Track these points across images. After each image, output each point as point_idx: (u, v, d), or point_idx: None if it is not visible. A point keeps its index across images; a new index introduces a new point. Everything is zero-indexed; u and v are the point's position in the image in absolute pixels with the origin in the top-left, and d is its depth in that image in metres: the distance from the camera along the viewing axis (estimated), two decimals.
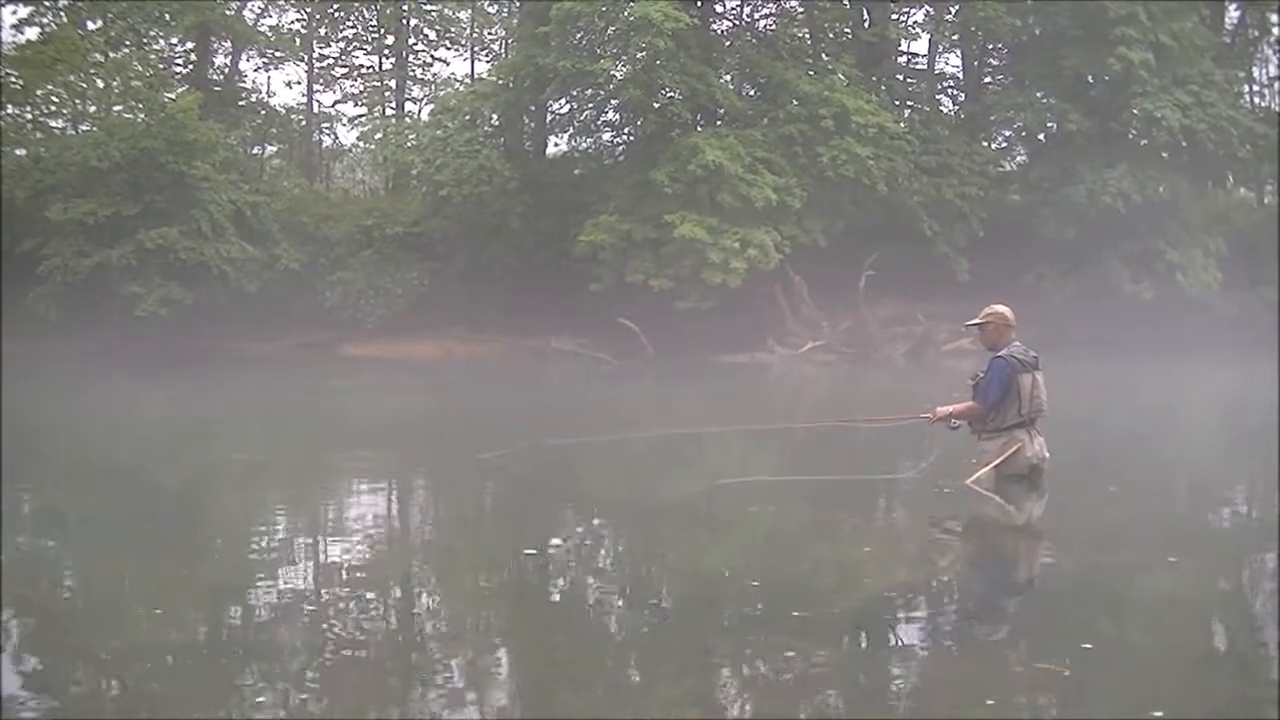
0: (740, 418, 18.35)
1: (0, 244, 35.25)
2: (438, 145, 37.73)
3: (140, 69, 41.15)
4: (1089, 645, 6.02)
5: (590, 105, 39.74)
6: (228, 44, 46.31)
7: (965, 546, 9.40)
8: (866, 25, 41.53)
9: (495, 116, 39.94)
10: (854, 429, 13.61)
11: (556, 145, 43.44)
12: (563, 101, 40.00)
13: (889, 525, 10.54)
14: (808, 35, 42.58)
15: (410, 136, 41.12)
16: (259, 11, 48.02)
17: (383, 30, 48.39)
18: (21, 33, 41.59)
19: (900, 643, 6.52)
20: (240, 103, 45.82)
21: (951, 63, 46.30)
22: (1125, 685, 5.70)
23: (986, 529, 9.85)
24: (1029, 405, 10.14)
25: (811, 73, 38.76)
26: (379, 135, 44.26)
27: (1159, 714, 5.18)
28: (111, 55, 41.30)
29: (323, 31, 48.84)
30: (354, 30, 48.95)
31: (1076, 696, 5.49)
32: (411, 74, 49.43)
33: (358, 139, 49.51)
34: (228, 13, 44.83)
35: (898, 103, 41.88)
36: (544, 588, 8.01)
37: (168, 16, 41.91)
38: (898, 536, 9.89)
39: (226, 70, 46.78)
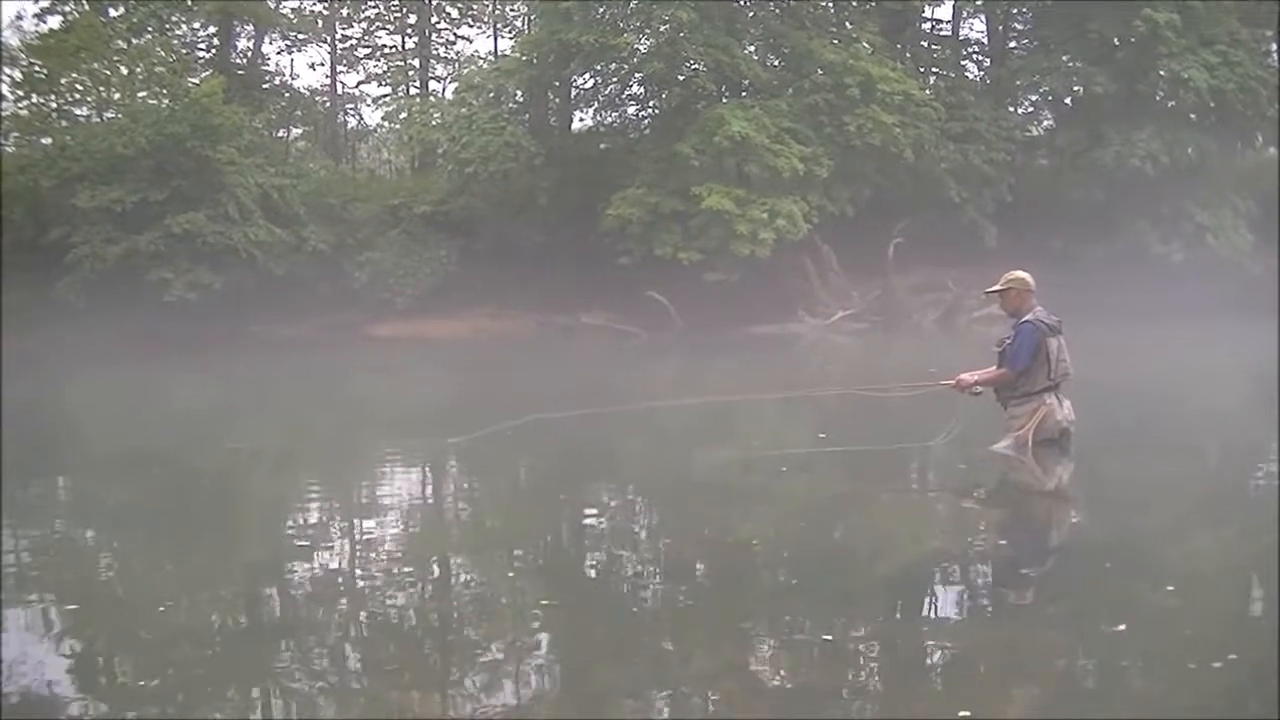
0: (768, 388, 18.31)
1: (16, 233, 35.35)
2: (463, 123, 37.63)
3: (163, 55, 41.11)
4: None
5: (614, 79, 39.55)
6: (250, 28, 46.20)
7: (996, 513, 9.40)
8: None
9: (519, 93, 39.83)
10: (885, 400, 13.55)
11: (581, 120, 43.25)
12: (587, 76, 39.85)
13: (917, 494, 10.55)
14: (831, 4, 42.21)
15: (435, 115, 41.02)
16: None
17: (405, 9, 48.27)
18: (44, 21, 41.72)
19: (934, 611, 6.55)
20: (264, 86, 45.71)
21: (976, 28, 45.81)
22: (1159, 648, 5.71)
23: (1016, 494, 9.84)
24: (1056, 369, 10.14)
25: (836, 41, 38.49)
26: (404, 115, 44.11)
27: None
28: (134, 42, 41.30)
29: (345, 12, 48.68)
30: (376, 10, 48.77)
31: (1112, 659, 5.50)
32: (435, 53, 49.27)
33: (382, 119, 49.27)
34: None
35: (923, 70, 41.61)
36: (577, 561, 8.07)
37: (189, 2, 41.95)
38: (925, 505, 9.90)
39: (249, 54, 46.72)
